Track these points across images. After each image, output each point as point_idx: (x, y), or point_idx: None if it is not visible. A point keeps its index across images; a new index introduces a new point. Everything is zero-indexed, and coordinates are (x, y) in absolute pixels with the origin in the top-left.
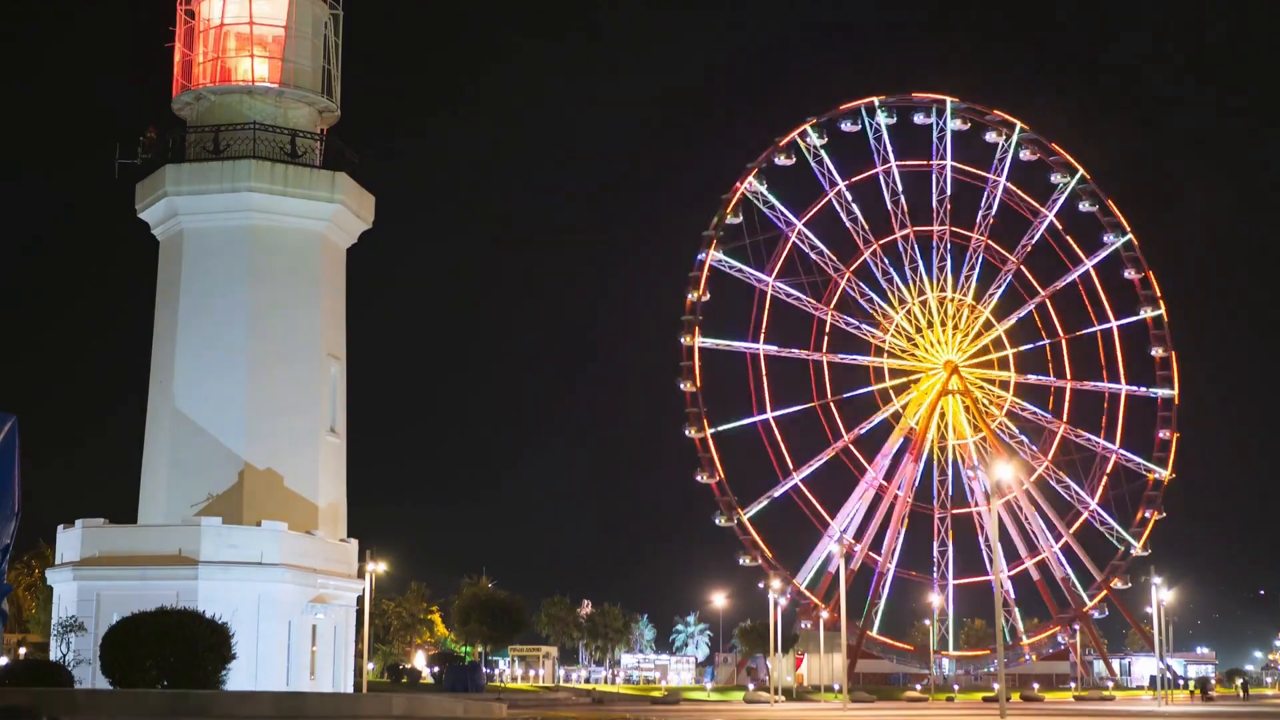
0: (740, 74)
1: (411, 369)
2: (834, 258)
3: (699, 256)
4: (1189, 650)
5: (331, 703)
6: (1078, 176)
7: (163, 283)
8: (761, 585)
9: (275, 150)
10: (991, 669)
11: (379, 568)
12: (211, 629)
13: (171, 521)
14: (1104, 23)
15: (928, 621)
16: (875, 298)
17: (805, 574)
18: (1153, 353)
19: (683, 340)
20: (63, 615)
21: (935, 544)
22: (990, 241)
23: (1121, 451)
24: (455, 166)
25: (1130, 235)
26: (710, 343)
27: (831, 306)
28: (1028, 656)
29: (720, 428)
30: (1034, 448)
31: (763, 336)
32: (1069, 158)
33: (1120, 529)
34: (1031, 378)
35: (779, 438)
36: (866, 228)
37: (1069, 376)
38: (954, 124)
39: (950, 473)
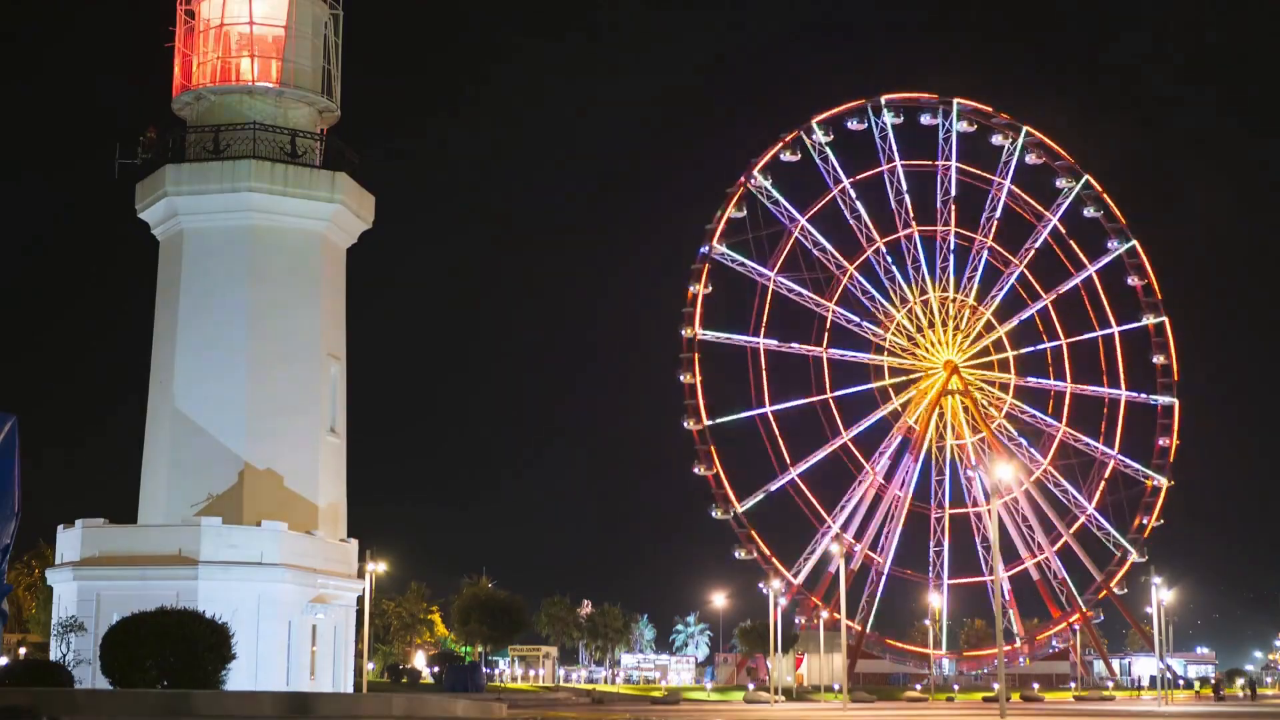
0: (740, 74)
1: (411, 369)
2: (837, 254)
3: (702, 250)
4: (1189, 650)
5: (332, 703)
6: (1082, 182)
7: (163, 283)
8: (761, 585)
9: (275, 150)
10: (991, 669)
11: (379, 568)
12: (211, 629)
13: (171, 521)
14: (1104, 23)
15: (927, 622)
16: (877, 295)
17: (802, 570)
18: (1154, 360)
19: (683, 332)
20: (63, 615)
21: (931, 543)
22: (994, 243)
23: (1120, 457)
24: (455, 166)
25: (1134, 242)
26: (711, 335)
27: (833, 303)
28: (1022, 659)
29: (719, 420)
30: (1033, 450)
31: (763, 330)
32: (1074, 162)
33: (1117, 535)
34: (1032, 380)
35: (777, 432)
36: (870, 226)
37: (1069, 380)
38: (960, 125)
39: (948, 472)
